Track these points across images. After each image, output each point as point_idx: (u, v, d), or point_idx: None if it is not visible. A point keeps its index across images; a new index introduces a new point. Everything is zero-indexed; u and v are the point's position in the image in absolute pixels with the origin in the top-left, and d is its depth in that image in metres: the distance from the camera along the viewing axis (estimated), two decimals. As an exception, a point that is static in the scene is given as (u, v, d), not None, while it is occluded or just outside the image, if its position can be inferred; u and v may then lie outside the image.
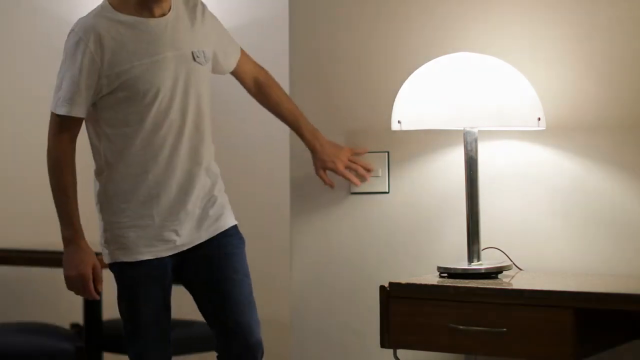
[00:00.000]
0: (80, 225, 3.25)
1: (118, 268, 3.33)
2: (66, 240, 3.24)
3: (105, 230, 3.34)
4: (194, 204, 3.36)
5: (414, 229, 3.78)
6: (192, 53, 3.31)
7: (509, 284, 3.35)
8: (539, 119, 3.46)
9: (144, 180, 3.29)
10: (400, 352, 3.41)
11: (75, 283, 3.22)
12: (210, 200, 3.41)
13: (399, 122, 3.48)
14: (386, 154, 3.82)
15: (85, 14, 3.30)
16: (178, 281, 3.43)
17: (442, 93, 3.43)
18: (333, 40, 3.95)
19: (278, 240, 4.98)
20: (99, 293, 3.26)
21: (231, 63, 3.55)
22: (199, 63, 3.32)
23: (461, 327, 3.23)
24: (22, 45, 4.47)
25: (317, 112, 3.87)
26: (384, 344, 3.36)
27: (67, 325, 4.35)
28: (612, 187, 3.54)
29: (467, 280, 3.35)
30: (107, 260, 3.35)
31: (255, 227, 5.21)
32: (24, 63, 4.50)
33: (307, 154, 3.81)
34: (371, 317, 3.61)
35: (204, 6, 3.42)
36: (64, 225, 3.25)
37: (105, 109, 3.25)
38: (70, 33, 3.25)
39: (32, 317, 4.43)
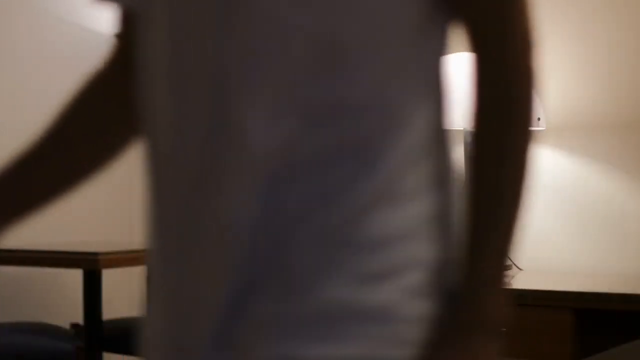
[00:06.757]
0: None
1: None
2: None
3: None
4: None
5: (414, 229, 3.78)
6: None
7: (509, 284, 3.35)
8: (539, 119, 3.46)
9: None
10: (400, 352, 3.41)
11: None
12: None
13: (399, 122, 3.49)
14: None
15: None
16: None
17: (442, 93, 3.44)
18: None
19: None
20: None
21: None
22: None
23: (461, 327, 3.23)
24: (21, 46, 4.48)
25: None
26: (384, 344, 3.36)
27: (67, 325, 4.35)
28: (612, 187, 3.54)
29: (467, 280, 3.35)
30: None
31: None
32: (23, 64, 4.50)
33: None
34: (371, 317, 3.60)
35: None
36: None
37: None
38: None
39: (32, 317, 4.43)
